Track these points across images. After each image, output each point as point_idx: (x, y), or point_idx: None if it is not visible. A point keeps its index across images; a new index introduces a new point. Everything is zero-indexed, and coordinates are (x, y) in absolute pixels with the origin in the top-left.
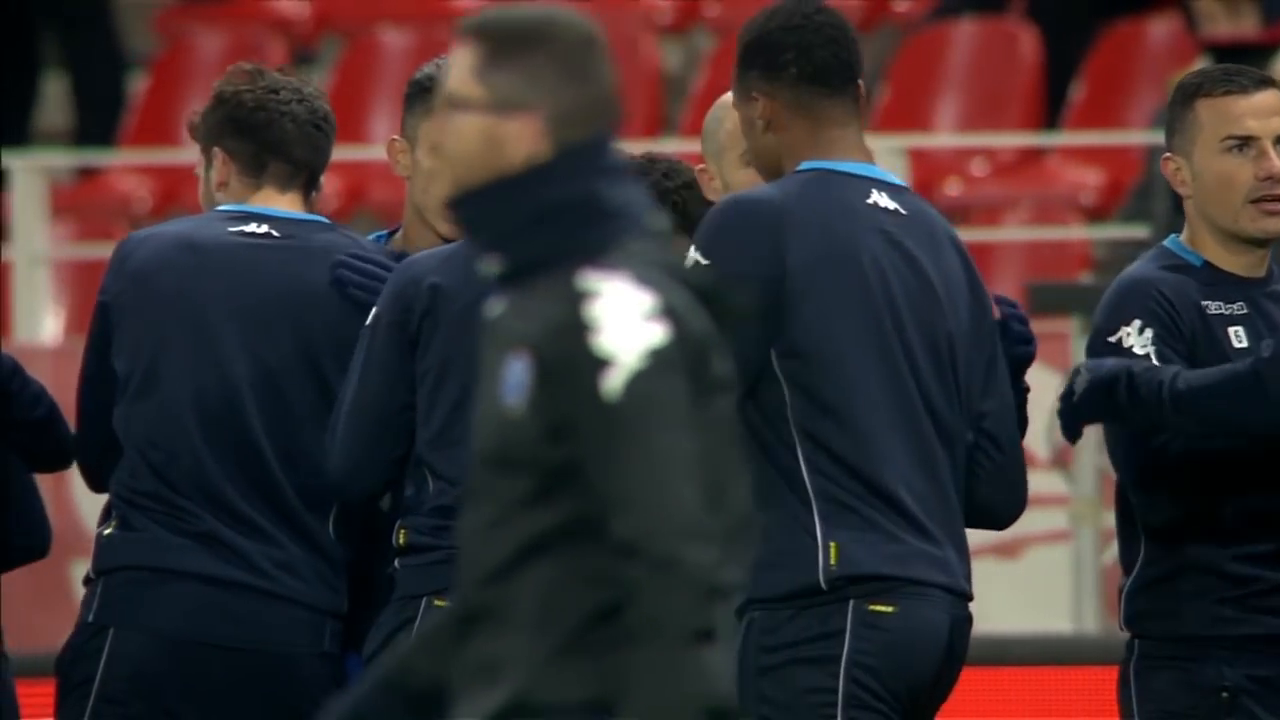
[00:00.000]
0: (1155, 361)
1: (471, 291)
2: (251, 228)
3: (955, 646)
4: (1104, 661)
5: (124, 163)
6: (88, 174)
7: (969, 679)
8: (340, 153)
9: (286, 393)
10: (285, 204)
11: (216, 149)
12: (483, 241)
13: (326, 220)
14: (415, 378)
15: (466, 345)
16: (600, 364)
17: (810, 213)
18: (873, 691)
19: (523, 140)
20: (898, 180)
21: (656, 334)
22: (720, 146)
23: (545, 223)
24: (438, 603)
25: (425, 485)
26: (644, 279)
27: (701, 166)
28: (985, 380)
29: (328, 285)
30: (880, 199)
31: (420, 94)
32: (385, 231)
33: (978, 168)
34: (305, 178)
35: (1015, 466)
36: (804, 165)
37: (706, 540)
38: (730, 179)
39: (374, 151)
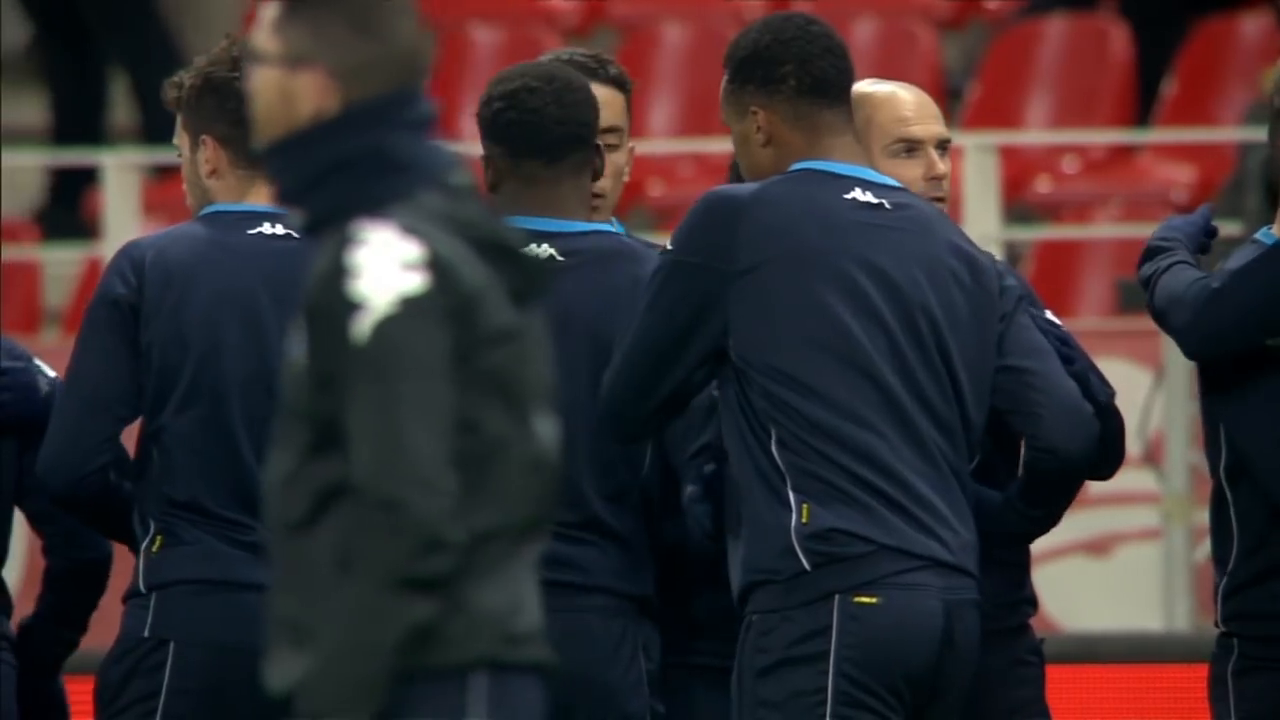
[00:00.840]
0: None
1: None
2: (266, 229)
3: (954, 631)
4: (1195, 660)
5: None
6: (170, 171)
7: (1059, 677)
8: None
9: None
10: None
11: (206, 136)
12: (284, 195)
13: None
14: None
15: None
16: (353, 308)
17: (775, 208)
18: (863, 686)
19: (310, 94)
20: (891, 181)
21: (413, 282)
22: (864, 137)
23: (334, 176)
24: None
25: None
26: (414, 229)
27: None
28: (1007, 347)
29: None
30: (861, 195)
31: None
32: None
33: (1069, 165)
34: None
35: (1074, 409)
36: (794, 166)
37: (436, 490)
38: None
39: (465, 149)
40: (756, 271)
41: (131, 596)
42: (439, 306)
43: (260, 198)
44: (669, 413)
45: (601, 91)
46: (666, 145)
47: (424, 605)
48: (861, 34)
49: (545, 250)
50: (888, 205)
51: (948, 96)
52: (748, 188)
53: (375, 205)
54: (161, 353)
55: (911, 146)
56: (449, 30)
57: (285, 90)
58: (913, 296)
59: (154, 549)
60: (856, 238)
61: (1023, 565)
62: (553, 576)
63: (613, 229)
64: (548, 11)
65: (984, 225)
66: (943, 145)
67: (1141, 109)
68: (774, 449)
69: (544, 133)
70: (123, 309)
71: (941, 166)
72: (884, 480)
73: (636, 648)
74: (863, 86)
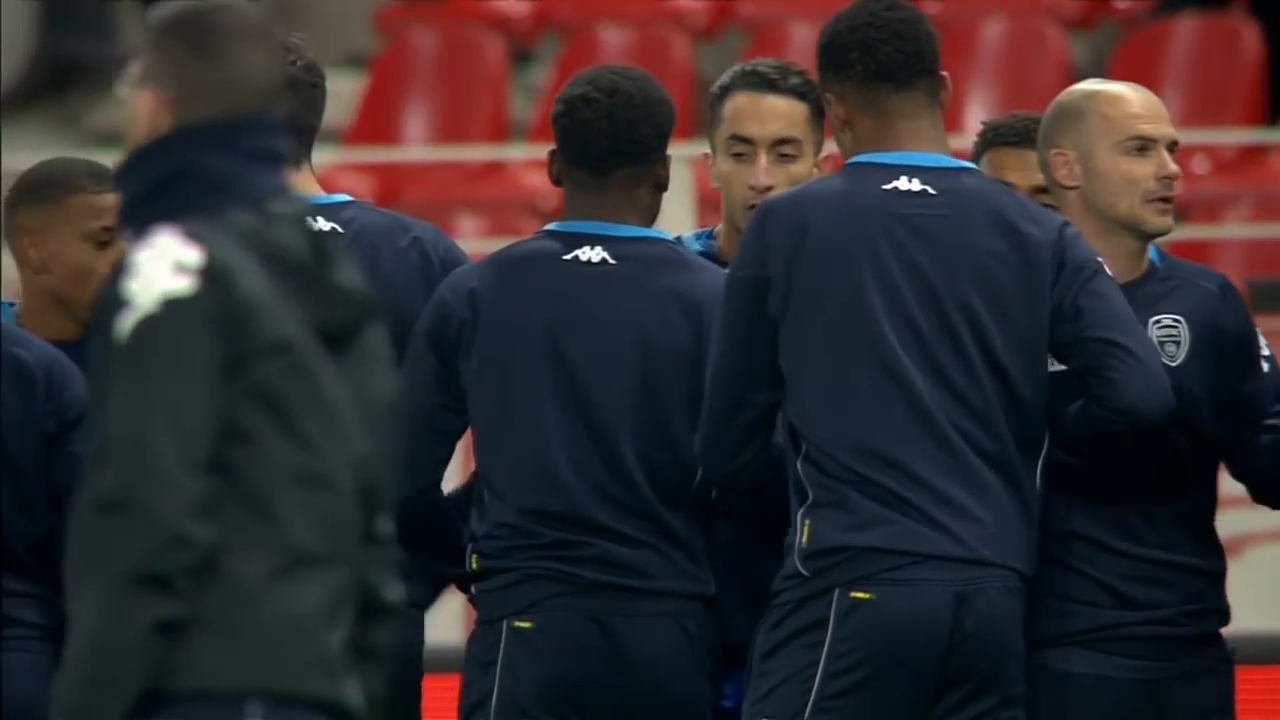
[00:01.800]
0: None
1: (510, 305)
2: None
3: (965, 621)
4: None
5: (346, 160)
6: None
7: None
8: None
9: None
10: (305, 181)
11: None
12: (119, 211)
13: (350, 198)
14: (458, 386)
15: (502, 357)
16: (120, 305)
17: (808, 209)
18: (854, 678)
19: (150, 114)
20: (947, 162)
21: (180, 285)
22: (1090, 130)
23: (154, 194)
24: (518, 624)
25: (482, 502)
26: (197, 236)
27: (1057, 150)
28: (1089, 319)
29: (402, 277)
30: (904, 184)
31: (714, 102)
32: (707, 230)
33: (1199, 165)
34: None
35: (1154, 372)
36: (850, 160)
37: (174, 489)
38: (1098, 165)
39: None
40: (790, 275)
41: None
42: (205, 311)
43: (307, 189)
44: (770, 433)
45: (779, 102)
46: None
47: (165, 603)
48: (991, 34)
49: (598, 253)
50: (932, 191)
51: None
52: (790, 191)
53: (181, 218)
54: None
55: (1144, 145)
56: (578, 31)
57: (134, 111)
58: (944, 287)
59: None
60: (889, 231)
61: (1217, 574)
62: (616, 581)
63: (667, 236)
64: (676, 12)
65: None
66: (1172, 147)
67: (1272, 108)
68: (799, 465)
69: (590, 145)
70: None
71: (1173, 166)
72: (899, 481)
73: (702, 647)
74: (1091, 84)
